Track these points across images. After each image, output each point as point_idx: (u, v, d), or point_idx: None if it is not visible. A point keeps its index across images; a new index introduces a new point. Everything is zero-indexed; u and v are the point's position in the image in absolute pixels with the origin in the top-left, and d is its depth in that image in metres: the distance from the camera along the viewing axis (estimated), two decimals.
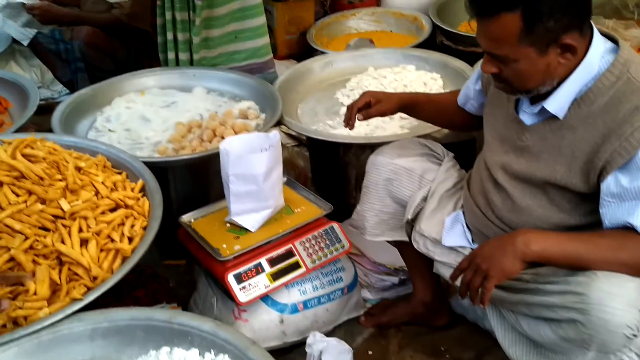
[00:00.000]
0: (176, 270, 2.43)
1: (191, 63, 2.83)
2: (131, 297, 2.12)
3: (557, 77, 1.41)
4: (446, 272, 1.73)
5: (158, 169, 2.06)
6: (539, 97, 1.47)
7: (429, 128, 2.32)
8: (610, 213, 1.37)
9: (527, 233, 1.38)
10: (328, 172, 2.68)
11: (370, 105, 1.91)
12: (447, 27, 3.65)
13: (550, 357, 1.42)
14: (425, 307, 2.08)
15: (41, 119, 2.74)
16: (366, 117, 1.93)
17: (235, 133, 2.34)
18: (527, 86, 1.43)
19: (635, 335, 1.26)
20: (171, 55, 2.84)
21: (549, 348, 1.41)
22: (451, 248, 1.75)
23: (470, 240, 1.74)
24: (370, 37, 4.02)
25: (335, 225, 2.07)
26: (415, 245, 1.83)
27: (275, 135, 1.91)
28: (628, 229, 1.33)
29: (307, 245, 2.01)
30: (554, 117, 1.46)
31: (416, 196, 1.84)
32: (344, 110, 2.64)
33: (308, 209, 2.09)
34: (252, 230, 1.96)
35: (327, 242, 2.04)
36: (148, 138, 2.42)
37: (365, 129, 2.50)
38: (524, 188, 1.55)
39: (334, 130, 2.52)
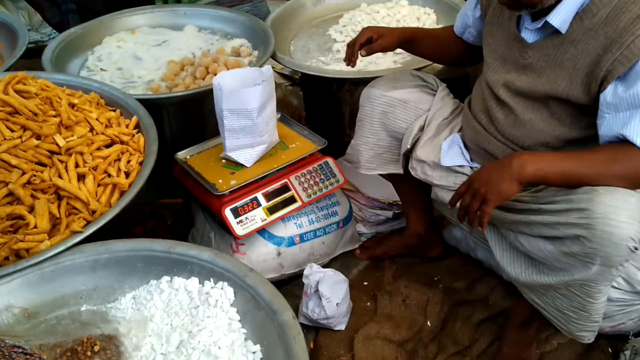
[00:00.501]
0: (173, 208, 2.46)
1: None
2: (130, 235, 2.15)
3: None
4: (445, 196, 1.75)
5: (152, 106, 2.06)
6: (541, 13, 1.47)
7: (422, 63, 2.31)
8: (605, 125, 1.38)
9: (522, 155, 1.40)
10: (321, 110, 2.68)
11: (372, 41, 1.89)
12: None
13: (550, 274, 1.44)
14: (418, 238, 2.13)
15: (31, 63, 2.70)
16: (369, 53, 1.90)
17: (229, 70, 2.32)
18: (533, 0, 1.43)
19: (637, 248, 1.29)
20: None
21: (550, 264, 1.43)
22: (450, 169, 1.76)
23: (469, 159, 1.76)
24: None
25: (329, 160, 2.09)
26: (413, 173, 1.84)
27: (268, 69, 1.90)
28: (622, 142, 1.35)
29: (302, 179, 2.03)
30: (556, 33, 1.46)
31: (413, 126, 1.84)
32: (336, 46, 2.64)
33: (302, 145, 2.11)
34: (247, 165, 1.97)
35: (322, 176, 2.06)
36: (141, 77, 2.40)
37: (358, 65, 2.47)
38: (526, 103, 1.56)
39: (327, 66, 2.50)
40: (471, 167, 1.74)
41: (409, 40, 1.94)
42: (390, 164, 1.96)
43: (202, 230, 2.12)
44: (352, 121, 2.60)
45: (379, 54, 2.49)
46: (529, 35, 1.54)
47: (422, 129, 1.84)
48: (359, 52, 1.90)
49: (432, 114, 1.85)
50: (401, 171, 1.93)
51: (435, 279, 2.09)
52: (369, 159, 1.96)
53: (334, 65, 2.50)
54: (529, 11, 1.48)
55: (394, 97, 1.85)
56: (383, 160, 1.95)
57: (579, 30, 1.42)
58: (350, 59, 1.93)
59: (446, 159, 1.77)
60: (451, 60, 2.08)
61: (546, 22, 1.45)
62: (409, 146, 1.83)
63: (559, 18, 1.43)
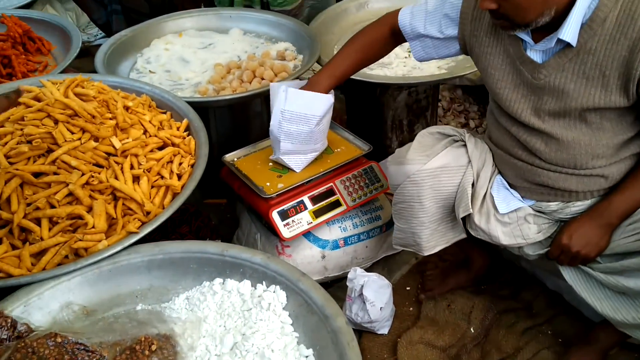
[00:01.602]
0: (217, 208, 2.50)
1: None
2: (176, 234, 2.20)
3: (554, 7, 1.39)
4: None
5: (199, 109, 2.10)
6: (538, 31, 1.46)
7: (468, 69, 2.31)
8: None
9: (603, 211, 1.52)
10: (364, 113, 2.70)
11: None
12: None
13: None
14: (485, 269, 2.09)
15: (78, 62, 2.78)
16: None
17: (275, 74, 2.36)
18: (527, 19, 1.41)
19: None
20: None
21: None
22: (511, 221, 1.72)
23: (521, 198, 1.71)
24: None
25: (374, 164, 2.11)
26: (474, 234, 1.78)
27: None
28: None
29: (347, 184, 2.05)
30: (566, 48, 1.45)
31: (464, 187, 1.73)
32: None
33: (347, 149, 2.13)
34: (297, 171, 2.00)
35: (367, 181, 2.08)
36: (188, 79, 2.45)
37: (402, 70, 2.50)
38: (562, 123, 1.54)
39: (371, 71, 2.52)
40: (530, 207, 1.70)
41: (340, 80, 1.91)
42: (449, 233, 1.86)
43: (247, 231, 2.16)
44: (394, 125, 2.63)
45: None
46: (537, 55, 1.52)
47: (473, 185, 1.75)
48: None
49: (477, 167, 1.75)
50: (464, 236, 1.86)
51: (482, 288, 2.09)
52: (428, 238, 1.84)
53: (377, 70, 2.52)
54: (524, 30, 1.47)
55: (434, 167, 1.72)
56: (441, 233, 1.85)
57: (592, 38, 1.41)
58: None
59: (502, 206, 1.71)
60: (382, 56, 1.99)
61: (559, 39, 1.43)
62: (471, 210, 1.72)
63: (570, 32, 1.41)
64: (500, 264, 2.15)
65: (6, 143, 1.66)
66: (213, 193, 2.54)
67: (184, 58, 2.58)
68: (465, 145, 1.78)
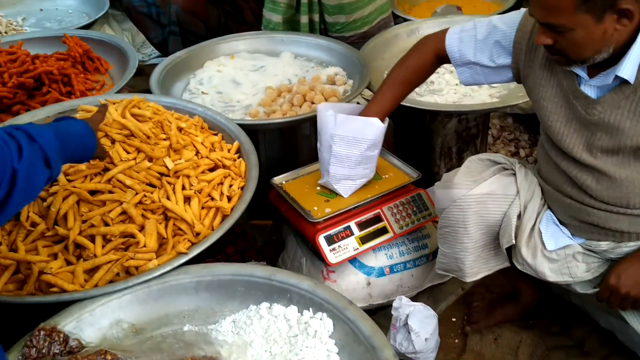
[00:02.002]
0: (263, 230, 2.51)
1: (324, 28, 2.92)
2: (222, 254, 2.22)
3: (613, 44, 1.36)
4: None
5: (250, 131, 2.13)
6: (596, 68, 1.43)
7: (521, 98, 2.28)
8: None
9: None
10: (412, 139, 2.69)
11: None
12: None
13: None
14: (535, 303, 2.03)
15: (133, 81, 2.85)
16: None
17: (325, 99, 2.37)
18: (584, 55, 1.39)
19: None
20: (304, 18, 2.89)
21: None
22: (559, 258, 1.68)
23: (570, 236, 1.67)
24: (453, 3, 3.94)
25: (422, 192, 2.09)
26: (520, 268, 1.74)
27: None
28: None
29: (395, 211, 2.04)
30: (622, 84, 1.42)
31: (510, 217, 1.70)
32: (430, 77, 2.63)
33: (396, 176, 2.12)
34: (345, 196, 2.00)
35: (414, 208, 2.06)
36: (239, 101, 2.49)
37: (453, 97, 2.48)
38: (615, 161, 1.50)
39: (421, 97, 2.51)
40: (580, 245, 1.65)
41: (388, 113, 1.90)
42: (492, 261, 1.83)
43: (293, 254, 2.16)
44: (443, 152, 2.61)
45: (474, 87, 2.48)
46: (591, 90, 1.48)
47: (519, 216, 1.71)
48: None
49: (525, 199, 1.71)
50: (507, 264, 1.82)
51: (531, 322, 2.03)
52: (471, 264, 1.81)
53: (427, 97, 2.51)
54: (581, 66, 1.44)
55: (481, 193, 1.70)
56: (484, 260, 1.82)
57: None
58: None
59: (550, 242, 1.67)
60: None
61: (617, 75, 1.39)
62: (514, 241, 1.70)
63: (629, 70, 1.38)
64: (549, 298, 2.09)
65: None
66: (259, 214, 2.56)
67: (236, 80, 2.62)
68: (514, 175, 1.75)
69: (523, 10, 1.64)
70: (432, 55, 1.83)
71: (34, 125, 1.24)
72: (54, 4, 3.57)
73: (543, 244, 1.67)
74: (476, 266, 1.82)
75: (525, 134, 2.97)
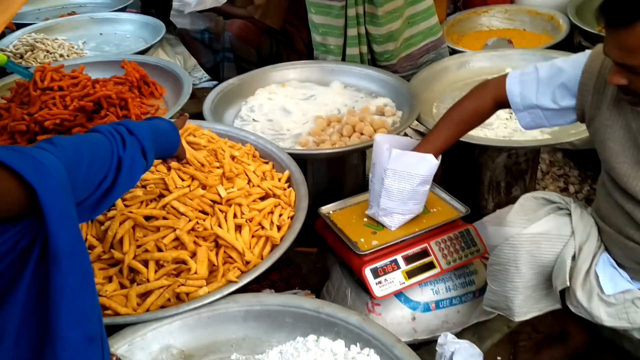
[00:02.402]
0: (307, 257, 2.53)
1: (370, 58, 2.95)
2: (267, 280, 2.24)
3: None
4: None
5: (299, 160, 2.15)
6: None
7: (573, 136, 2.26)
8: None
9: None
10: (460, 172, 2.68)
11: None
12: (586, 28, 3.50)
13: None
14: (585, 346, 1.98)
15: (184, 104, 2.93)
16: None
17: (374, 130, 2.39)
18: None
19: None
20: (354, 50, 2.91)
21: None
22: (617, 302, 1.64)
23: (630, 279, 1.63)
24: (503, 35, 3.93)
25: (471, 228, 2.07)
26: (575, 311, 1.70)
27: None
28: None
29: (442, 246, 2.03)
30: None
31: (564, 259, 1.67)
32: None
33: (444, 210, 2.11)
34: (392, 229, 2.00)
35: (462, 244, 2.05)
36: (289, 129, 2.52)
37: (503, 132, 2.47)
38: None
39: (470, 130, 2.50)
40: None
41: (441, 151, 1.90)
42: (543, 301, 1.80)
43: (338, 285, 2.17)
44: (491, 186, 2.59)
45: None
46: None
47: (573, 257, 1.68)
48: None
49: (580, 240, 1.68)
50: (559, 306, 1.78)
51: None
52: (521, 303, 1.78)
53: (477, 130, 2.48)
54: None
55: (534, 232, 1.68)
56: (535, 300, 1.79)
57: None
58: None
59: (608, 286, 1.63)
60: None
61: None
62: (568, 283, 1.66)
63: None
64: (600, 343, 2.04)
65: None
66: (304, 241, 2.57)
67: (286, 108, 2.66)
68: (569, 215, 1.72)
69: (588, 52, 1.64)
70: (491, 100, 1.82)
71: (131, 121, 1.37)
72: (112, 28, 3.70)
73: (600, 287, 1.64)
74: (526, 306, 1.79)
75: (575, 169, 2.93)
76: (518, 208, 1.74)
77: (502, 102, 1.80)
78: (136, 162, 1.28)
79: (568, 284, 1.66)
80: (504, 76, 1.80)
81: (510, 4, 4.23)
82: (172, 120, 1.63)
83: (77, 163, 1.10)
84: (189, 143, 1.91)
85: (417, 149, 1.91)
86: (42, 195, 0.97)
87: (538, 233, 1.68)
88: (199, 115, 2.57)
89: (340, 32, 2.87)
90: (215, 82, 3.71)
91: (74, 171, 1.08)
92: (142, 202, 1.75)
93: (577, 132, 2.24)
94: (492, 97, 1.82)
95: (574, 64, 1.64)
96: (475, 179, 2.58)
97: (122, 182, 1.23)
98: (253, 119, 2.59)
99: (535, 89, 1.72)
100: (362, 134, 2.38)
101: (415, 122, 2.55)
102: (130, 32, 3.60)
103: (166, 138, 1.50)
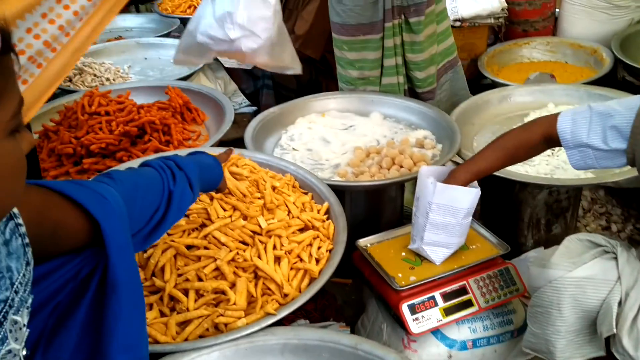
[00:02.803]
0: (342, 288, 2.52)
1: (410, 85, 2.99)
2: (301, 310, 2.24)
3: None
4: None
5: (337, 191, 2.16)
6: None
7: (617, 175, 2.22)
8: None
9: None
10: (499, 208, 2.65)
11: None
12: (630, 62, 3.46)
13: None
14: None
15: None
16: None
17: (414, 163, 2.39)
18: None
19: None
20: (391, 80, 2.94)
21: None
22: None
23: None
24: (544, 67, 3.91)
25: (510, 266, 2.05)
26: (620, 358, 1.64)
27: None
28: None
29: (481, 284, 2.00)
30: None
31: (610, 305, 1.63)
32: None
33: (483, 247, 2.09)
34: (437, 263, 1.99)
35: (502, 283, 2.02)
36: (328, 159, 2.54)
37: (544, 168, 2.44)
38: None
39: (511, 166, 2.48)
40: None
41: (478, 177, 1.90)
42: (586, 347, 1.75)
43: (373, 318, 2.15)
44: (531, 223, 2.56)
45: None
46: None
47: (620, 303, 1.64)
48: None
49: (626, 286, 1.64)
50: (603, 353, 1.74)
51: None
52: (563, 348, 1.75)
53: (517, 166, 2.47)
54: None
55: (579, 276, 1.65)
56: (578, 345, 1.75)
57: None
58: None
59: None
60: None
61: None
62: (615, 331, 1.62)
63: None
64: None
65: None
66: (339, 272, 2.55)
67: (326, 138, 2.68)
68: (615, 259, 1.68)
69: None
70: (541, 136, 1.80)
71: (179, 156, 1.45)
72: (157, 53, 3.79)
73: None
74: (568, 351, 1.75)
75: (617, 207, 2.87)
76: (563, 250, 1.72)
77: (552, 138, 1.79)
78: (185, 196, 1.33)
79: (614, 330, 1.62)
80: (556, 114, 1.80)
81: (552, 37, 4.20)
82: (217, 153, 1.67)
83: (133, 197, 1.16)
84: (231, 173, 1.94)
85: (460, 168, 1.91)
86: (105, 229, 1.03)
87: (583, 277, 1.65)
88: (238, 141, 2.61)
89: (377, 63, 2.89)
90: (254, 108, 3.76)
91: (130, 204, 1.13)
92: (184, 231, 1.77)
93: (621, 172, 2.20)
94: (542, 132, 1.81)
95: (628, 106, 1.62)
96: (515, 215, 2.55)
97: (172, 215, 1.28)
98: (293, 148, 2.62)
99: (587, 128, 1.70)
100: (401, 166, 2.38)
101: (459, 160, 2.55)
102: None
103: (211, 173, 1.55)
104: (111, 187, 1.11)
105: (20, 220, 0.94)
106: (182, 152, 2.22)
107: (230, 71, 3.68)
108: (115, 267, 1.05)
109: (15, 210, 0.93)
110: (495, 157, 1.89)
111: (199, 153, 1.61)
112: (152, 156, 2.06)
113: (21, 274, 0.90)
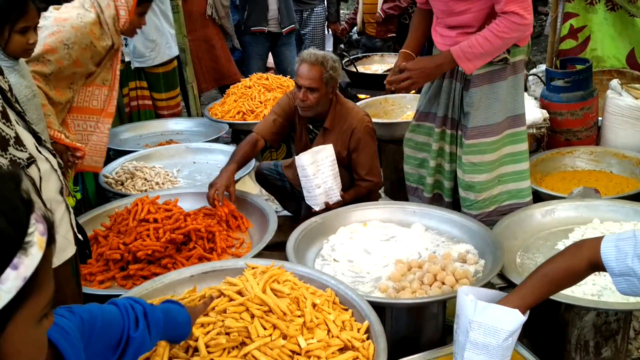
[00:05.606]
0: None
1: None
2: None
3: None
4: None
5: (378, 307, 2.14)
6: None
7: None
8: None
9: None
10: (544, 328, 2.57)
11: None
12: None
13: None
14: None
15: None
16: None
17: (456, 280, 2.36)
18: None
19: None
20: (430, 180, 3.05)
21: None
22: None
23: None
24: (588, 176, 3.89)
25: None
26: None
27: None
28: None
29: None
30: None
31: None
32: None
33: None
34: None
35: None
36: (369, 272, 2.54)
37: (591, 289, 2.38)
38: None
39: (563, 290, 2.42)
40: None
41: (530, 307, 1.82)
42: None
43: None
44: (579, 346, 2.46)
45: None
46: None
47: None
48: None
49: None
50: None
51: None
52: None
53: None
54: None
55: None
56: None
57: None
58: None
59: None
60: None
61: None
62: None
63: None
64: None
65: (208, 332, 1.80)
66: None
67: (367, 249, 2.69)
68: None
69: None
70: (586, 262, 1.77)
71: (150, 305, 1.47)
72: (205, 157, 3.93)
73: None
74: None
75: None
76: None
77: (598, 265, 1.75)
78: (143, 346, 1.38)
79: None
80: (600, 238, 1.77)
81: (596, 146, 4.20)
82: (197, 305, 1.78)
83: (89, 333, 1.23)
84: (272, 290, 1.96)
85: (503, 302, 1.86)
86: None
87: None
88: (279, 245, 2.64)
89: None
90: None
91: (85, 340, 1.20)
92: (224, 349, 1.78)
93: None
94: (587, 258, 1.77)
95: None
96: (562, 336, 2.46)
97: (128, 358, 1.33)
98: (334, 259, 2.63)
99: (632, 256, 1.66)
100: (443, 283, 2.36)
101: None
102: (221, 162, 3.79)
103: (178, 331, 1.58)
104: (70, 320, 1.18)
105: None
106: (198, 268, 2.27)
107: (268, 189, 3.72)
108: None
109: None
110: (541, 289, 1.84)
111: (175, 306, 1.62)
112: (132, 291, 2.14)
113: None
